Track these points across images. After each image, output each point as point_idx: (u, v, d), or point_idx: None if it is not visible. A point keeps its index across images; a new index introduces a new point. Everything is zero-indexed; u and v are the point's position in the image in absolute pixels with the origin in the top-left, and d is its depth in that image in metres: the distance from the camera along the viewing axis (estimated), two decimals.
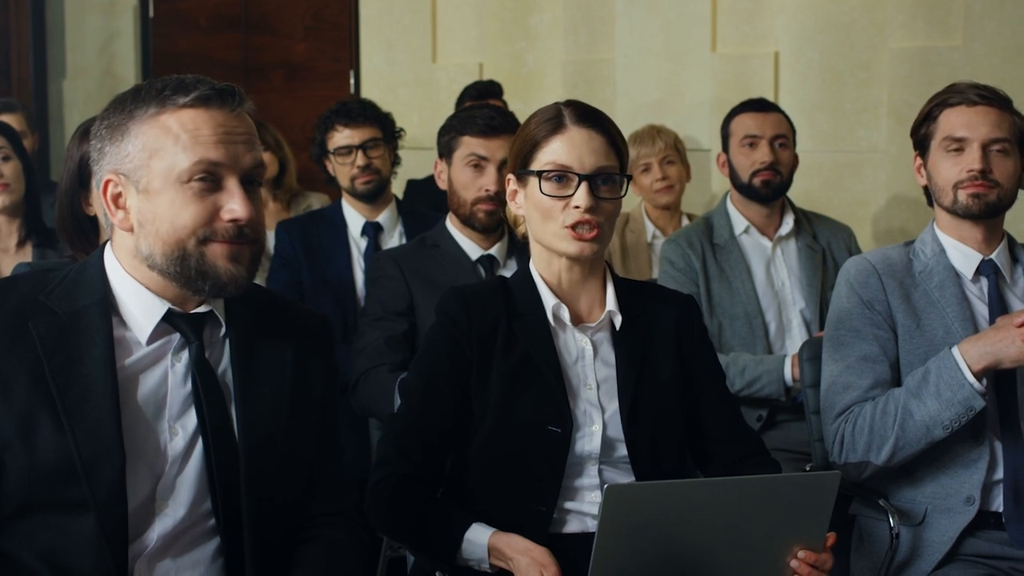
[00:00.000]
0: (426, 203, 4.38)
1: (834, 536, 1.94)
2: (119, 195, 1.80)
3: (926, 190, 2.62)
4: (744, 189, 3.54)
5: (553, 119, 2.14)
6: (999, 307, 2.51)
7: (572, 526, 2.12)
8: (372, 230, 3.83)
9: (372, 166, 3.81)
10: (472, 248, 3.17)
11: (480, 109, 3.22)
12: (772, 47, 4.73)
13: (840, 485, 1.92)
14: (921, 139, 2.58)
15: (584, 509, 2.13)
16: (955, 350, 2.39)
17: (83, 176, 2.58)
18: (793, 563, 1.92)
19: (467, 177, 3.11)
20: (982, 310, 2.52)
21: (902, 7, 4.42)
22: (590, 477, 2.13)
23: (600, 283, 2.21)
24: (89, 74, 6.79)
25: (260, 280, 3.80)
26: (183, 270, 1.77)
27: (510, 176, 2.21)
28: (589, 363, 2.17)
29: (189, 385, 1.82)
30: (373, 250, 3.74)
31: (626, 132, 2.38)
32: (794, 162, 3.59)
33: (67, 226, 2.65)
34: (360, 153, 3.80)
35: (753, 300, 3.42)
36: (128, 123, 1.78)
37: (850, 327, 2.53)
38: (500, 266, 3.18)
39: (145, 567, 1.75)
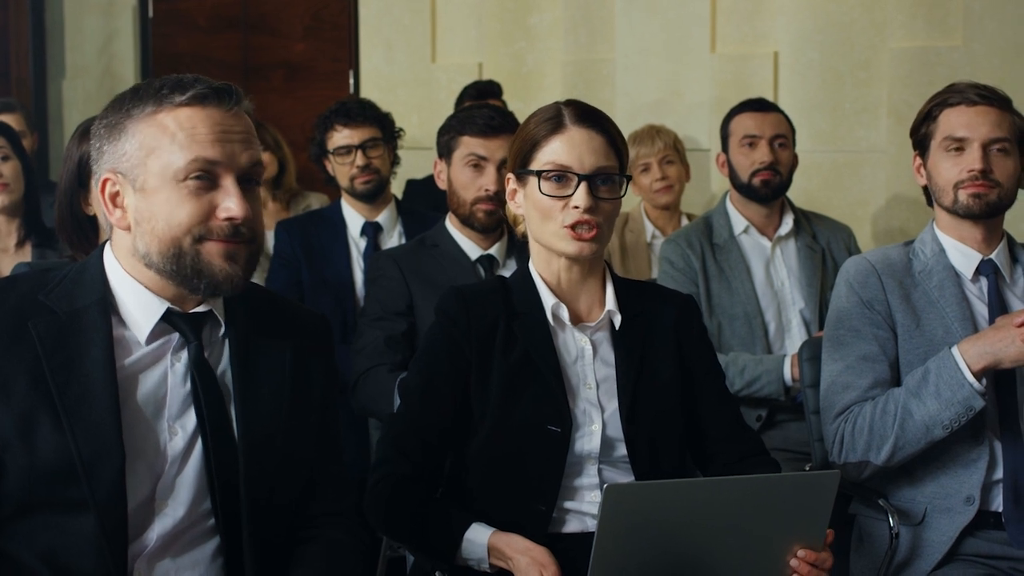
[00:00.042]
0: (425, 203, 4.38)
1: (832, 533, 1.94)
2: (117, 194, 1.80)
3: (925, 190, 2.62)
4: (743, 189, 3.54)
5: (553, 119, 2.14)
6: (999, 307, 2.51)
7: (572, 526, 2.12)
8: (371, 230, 3.83)
9: (371, 166, 3.80)
10: (471, 248, 3.16)
11: (480, 109, 3.22)
12: (772, 47, 4.73)
13: (840, 485, 1.92)
14: (921, 139, 2.58)
15: (584, 509, 2.12)
16: (955, 350, 2.39)
17: (82, 176, 2.58)
18: (793, 562, 1.92)
19: (466, 177, 3.11)
20: (982, 310, 2.52)
21: (902, 7, 4.42)
22: (589, 477, 2.13)
23: (599, 283, 2.21)
24: (88, 74, 6.79)
25: (259, 280, 3.80)
26: (179, 268, 1.77)
27: (510, 175, 2.21)
28: (588, 363, 2.17)
29: (189, 385, 1.82)
30: (372, 250, 3.74)
31: (626, 132, 2.38)
32: (794, 162, 3.59)
33: (66, 226, 2.66)
34: (359, 153, 3.80)
35: (752, 300, 3.42)
36: (126, 122, 1.78)
37: (850, 327, 2.53)
38: (499, 266, 3.18)
39: (145, 567, 1.75)
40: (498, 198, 3.03)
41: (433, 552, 2.12)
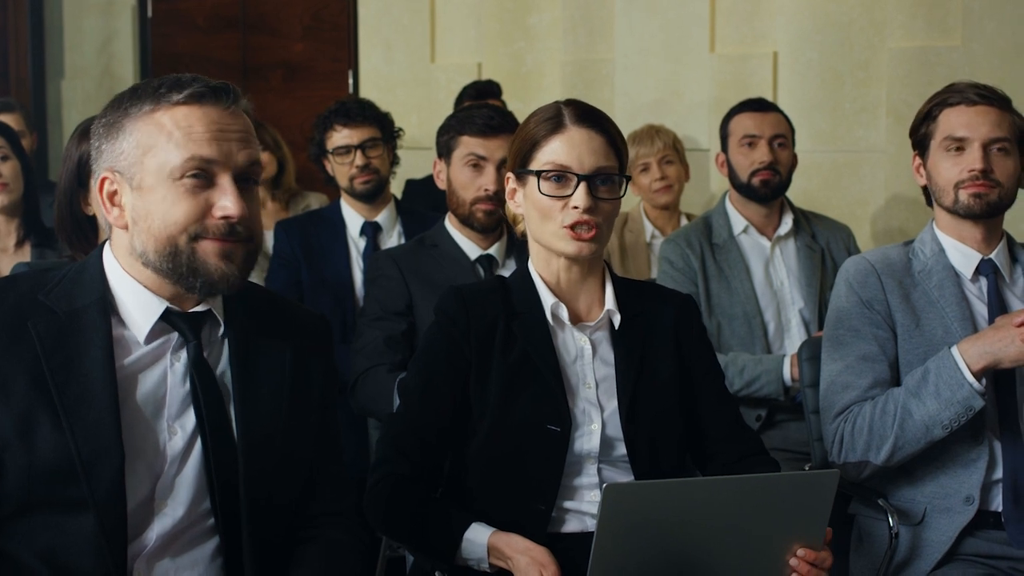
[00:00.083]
0: (425, 203, 4.38)
1: (831, 532, 1.94)
2: (115, 193, 1.80)
3: (925, 190, 2.62)
4: (743, 189, 3.54)
5: (553, 118, 2.14)
6: (998, 307, 2.51)
7: (571, 525, 2.12)
8: (371, 230, 3.83)
9: (371, 166, 3.80)
10: (471, 248, 3.16)
11: (479, 109, 3.22)
12: (771, 47, 4.73)
13: (839, 484, 1.92)
14: (920, 139, 2.58)
15: (583, 508, 2.12)
16: (954, 350, 2.39)
17: (82, 176, 2.58)
18: (792, 561, 1.92)
19: (466, 177, 3.11)
20: (981, 310, 2.52)
21: (901, 7, 4.42)
22: (589, 476, 2.13)
23: (599, 282, 2.21)
24: (87, 74, 6.79)
25: (259, 280, 3.80)
26: (175, 267, 1.77)
27: (509, 175, 2.21)
28: (588, 362, 2.17)
29: (188, 384, 1.82)
30: (372, 250, 3.74)
31: (625, 132, 2.38)
32: (793, 162, 3.59)
33: (66, 226, 2.66)
34: (359, 153, 3.80)
35: (752, 300, 3.42)
36: (124, 121, 1.79)
37: (849, 327, 2.53)
38: (499, 266, 3.17)
39: (144, 566, 1.75)
40: (497, 198, 3.03)
41: (433, 552, 2.12)
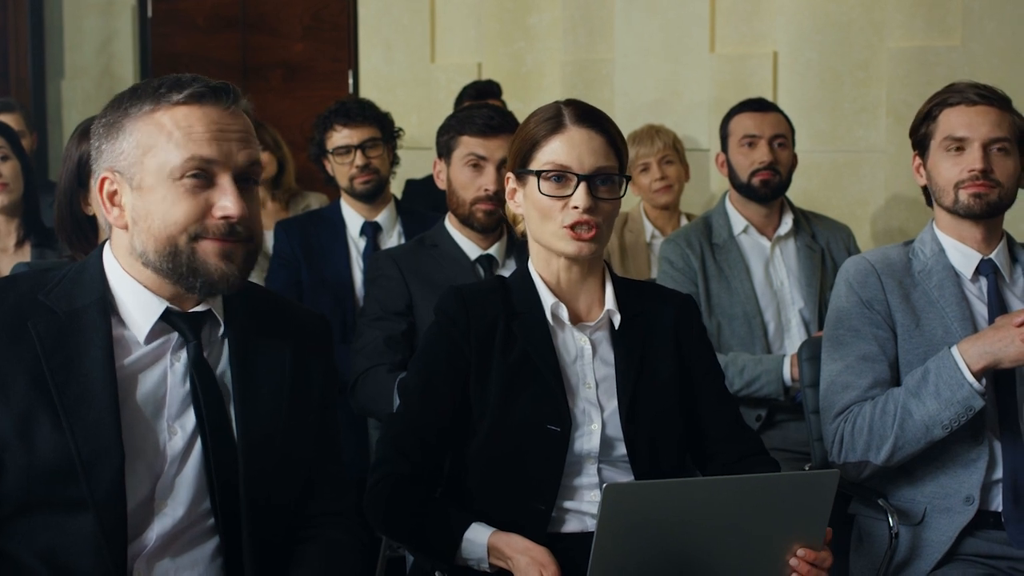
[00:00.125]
0: (425, 203, 4.38)
1: (831, 531, 1.94)
2: (115, 192, 1.80)
3: (925, 190, 2.62)
4: (743, 189, 3.54)
5: (553, 118, 2.13)
6: (998, 307, 2.51)
7: (571, 525, 2.12)
8: (371, 230, 3.83)
9: (371, 166, 3.80)
10: (471, 248, 3.16)
11: (479, 109, 3.22)
12: (771, 47, 4.74)
13: (839, 484, 1.92)
14: (920, 139, 2.58)
15: (583, 508, 2.12)
16: (954, 350, 2.39)
17: (82, 176, 2.58)
18: (792, 561, 1.92)
19: (466, 177, 3.11)
20: (981, 310, 2.52)
21: (901, 7, 4.43)
22: (589, 476, 2.13)
23: (599, 282, 2.21)
24: (87, 74, 6.78)
25: (259, 280, 3.80)
26: (175, 267, 1.77)
27: (509, 175, 2.21)
28: (588, 362, 2.17)
29: (188, 384, 1.82)
30: (372, 250, 3.74)
31: (625, 132, 2.38)
32: (793, 162, 3.59)
33: (66, 226, 2.66)
34: (359, 153, 3.80)
35: (752, 300, 3.42)
36: (124, 120, 1.79)
37: (849, 327, 2.53)
38: (499, 266, 3.17)
39: (144, 566, 1.75)
40: (497, 198, 3.03)
41: (433, 552, 2.11)
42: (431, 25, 5.64)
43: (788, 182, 3.58)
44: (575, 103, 2.17)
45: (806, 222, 3.61)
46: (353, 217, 3.85)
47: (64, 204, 2.64)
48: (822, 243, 3.57)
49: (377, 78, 5.78)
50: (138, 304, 1.81)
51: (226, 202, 1.77)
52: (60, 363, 1.74)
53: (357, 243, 3.83)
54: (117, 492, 1.72)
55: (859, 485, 2.56)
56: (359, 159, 3.79)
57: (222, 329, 1.87)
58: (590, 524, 2.11)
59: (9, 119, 4.49)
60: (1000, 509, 2.43)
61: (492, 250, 3.17)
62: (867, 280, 2.53)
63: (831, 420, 2.52)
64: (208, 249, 1.77)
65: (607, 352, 2.19)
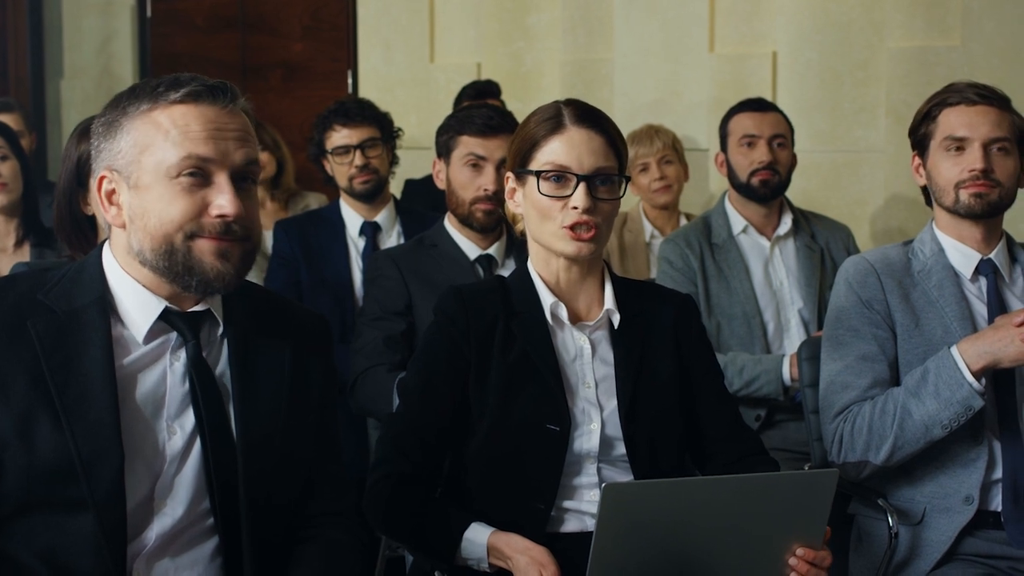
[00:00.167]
0: (424, 203, 4.37)
1: (830, 531, 1.94)
2: (113, 191, 1.80)
3: (924, 190, 2.62)
4: (742, 189, 3.54)
5: (553, 118, 2.13)
6: (998, 306, 2.51)
7: (571, 525, 2.12)
8: (370, 230, 3.83)
9: (370, 166, 3.80)
10: (470, 248, 3.16)
11: (478, 109, 3.22)
12: (770, 47, 4.74)
13: (839, 484, 1.92)
14: (920, 139, 2.58)
15: (583, 508, 2.12)
16: (954, 349, 2.39)
17: (81, 175, 2.58)
18: (792, 560, 1.92)
19: (465, 177, 3.11)
20: (981, 309, 2.52)
21: (900, 7, 4.43)
22: (588, 476, 2.13)
23: (598, 282, 2.21)
24: (87, 74, 6.78)
25: (258, 280, 3.80)
26: (171, 265, 1.77)
27: (509, 175, 2.21)
28: (587, 362, 2.17)
29: (187, 384, 1.81)
30: (371, 250, 3.74)
31: (624, 132, 2.38)
32: (792, 162, 3.59)
33: (65, 225, 2.66)
34: (358, 153, 3.80)
35: (751, 300, 3.42)
36: (122, 119, 1.79)
37: (849, 326, 2.53)
38: (498, 265, 3.17)
39: (144, 566, 1.75)
40: (497, 198, 3.03)
41: (432, 552, 2.11)
42: (430, 25, 5.63)
43: (787, 182, 3.58)
44: (575, 103, 2.17)
45: (805, 222, 3.61)
46: (352, 217, 3.85)
47: (63, 204, 2.64)
48: (821, 243, 3.57)
49: (376, 78, 5.78)
50: (137, 304, 1.81)
51: (222, 201, 1.76)
52: (60, 363, 1.74)
53: (356, 243, 3.83)
54: (117, 492, 1.72)
55: (859, 485, 2.56)
56: (358, 159, 3.79)
57: (221, 329, 1.87)
58: (589, 524, 2.11)
59: (8, 119, 4.48)
60: (1000, 509, 2.43)
61: (491, 250, 3.17)
62: (867, 280, 2.53)
63: (830, 420, 2.52)
64: (204, 248, 1.77)
65: (606, 352, 2.19)
